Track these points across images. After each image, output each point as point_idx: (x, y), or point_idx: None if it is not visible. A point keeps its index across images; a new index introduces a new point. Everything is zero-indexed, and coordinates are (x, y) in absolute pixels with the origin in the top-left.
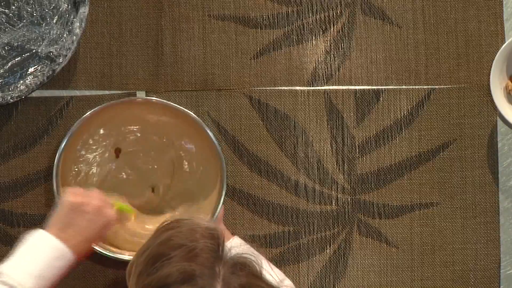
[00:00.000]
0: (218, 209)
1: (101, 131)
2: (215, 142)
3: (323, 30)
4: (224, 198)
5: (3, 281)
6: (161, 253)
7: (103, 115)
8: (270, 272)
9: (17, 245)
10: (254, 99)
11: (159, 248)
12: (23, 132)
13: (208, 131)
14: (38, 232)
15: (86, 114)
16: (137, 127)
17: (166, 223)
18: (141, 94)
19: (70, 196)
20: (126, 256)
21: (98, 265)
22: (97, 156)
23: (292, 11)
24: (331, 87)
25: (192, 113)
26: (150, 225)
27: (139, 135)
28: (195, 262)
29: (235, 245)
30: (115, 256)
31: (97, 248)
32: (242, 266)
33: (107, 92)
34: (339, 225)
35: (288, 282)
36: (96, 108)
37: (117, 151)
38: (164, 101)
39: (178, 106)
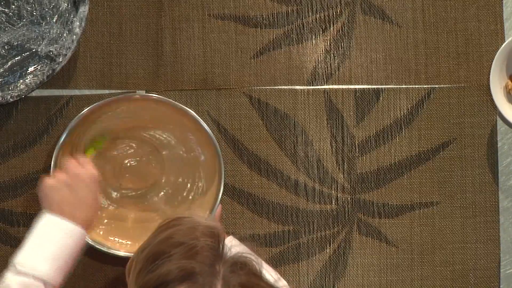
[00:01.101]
0: (216, 206)
1: (100, 129)
2: (213, 138)
3: (323, 30)
4: (221, 196)
5: (17, 271)
6: (161, 251)
7: (102, 113)
8: (269, 270)
9: (27, 234)
10: (254, 98)
11: (159, 246)
12: (23, 132)
13: (206, 126)
14: (44, 216)
15: (84, 111)
16: (136, 124)
17: (166, 221)
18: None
19: (45, 180)
20: (123, 252)
21: (96, 263)
22: (97, 153)
23: (292, 10)
24: (331, 87)
25: (190, 110)
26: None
27: (138, 132)
28: (195, 260)
29: (236, 244)
30: (113, 252)
31: (95, 245)
32: (242, 265)
33: (107, 91)
34: (339, 224)
35: (283, 282)
36: (94, 104)
37: None
38: (163, 97)
39: (176, 102)
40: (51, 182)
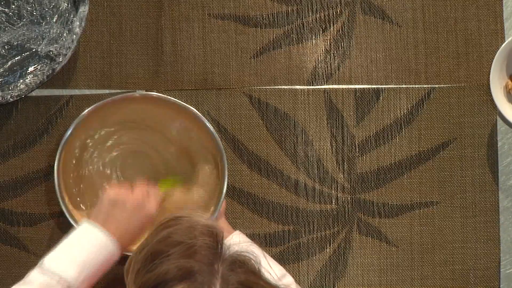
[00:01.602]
0: (219, 204)
1: (101, 129)
2: (216, 136)
3: (323, 29)
4: (225, 194)
5: (43, 269)
6: (159, 251)
7: (103, 112)
8: (269, 270)
9: (63, 238)
10: (254, 98)
11: (157, 245)
12: (23, 131)
13: (209, 125)
14: (83, 224)
15: (85, 111)
16: (138, 123)
17: (165, 220)
18: None
19: (111, 190)
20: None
21: None
22: (98, 154)
23: (292, 10)
24: (331, 86)
25: (193, 108)
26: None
27: (140, 131)
28: (194, 259)
29: (234, 243)
30: None
31: None
32: (241, 263)
33: (107, 91)
34: (339, 224)
35: (289, 278)
36: (95, 104)
37: None
38: (165, 96)
39: (179, 101)
40: (113, 195)
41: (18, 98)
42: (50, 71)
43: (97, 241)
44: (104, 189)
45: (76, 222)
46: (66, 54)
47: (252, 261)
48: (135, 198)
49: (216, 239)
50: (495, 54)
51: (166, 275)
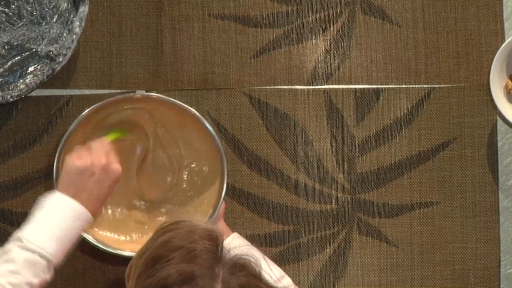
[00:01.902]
0: (219, 205)
1: (102, 129)
2: (215, 137)
3: (323, 29)
4: (224, 195)
5: (23, 246)
6: (160, 255)
7: (103, 113)
8: (269, 272)
9: (33, 210)
10: (254, 98)
11: (158, 250)
12: (23, 131)
13: (208, 126)
14: (55, 195)
15: (85, 111)
16: (137, 124)
17: (164, 225)
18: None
19: (75, 160)
20: (126, 252)
21: (98, 262)
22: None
23: (292, 10)
24: (331, 86)
25: (192, 109)
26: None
27: (139, 133)
28: (195, 263)
29: (234, 247)
30: (115, 252)
31: (97, 244)
32: (241, 267)
33: (107, 91)
34: (339, 224)
35: (287, 279)
36: (95, 105)
37: None
38: (165, 97)
39: (179, 102)
40: (78, 164)
41: (18, 98)
42: (50, 71)
43: (72, 213)
44: (65, 159)
45: None
46: (66, 54)
47: (253, 264)
48: (99, 161)
49: (216, 242)
50: (495, 54)
51: (167, 279)
